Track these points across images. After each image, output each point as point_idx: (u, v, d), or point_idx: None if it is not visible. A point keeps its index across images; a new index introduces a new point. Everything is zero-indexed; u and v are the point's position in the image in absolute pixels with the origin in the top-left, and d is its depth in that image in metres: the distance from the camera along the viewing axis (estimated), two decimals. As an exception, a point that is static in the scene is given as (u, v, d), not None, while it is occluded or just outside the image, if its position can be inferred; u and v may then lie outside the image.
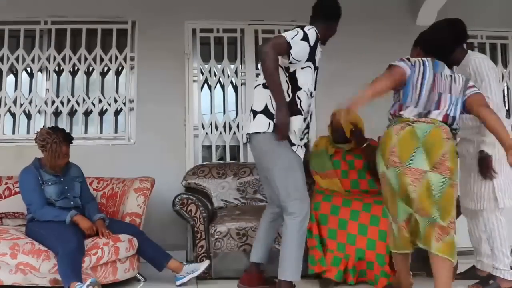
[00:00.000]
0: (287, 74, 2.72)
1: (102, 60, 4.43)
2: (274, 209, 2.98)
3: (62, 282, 2.72)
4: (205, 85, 4.58)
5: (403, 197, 2.54)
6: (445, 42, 2.78)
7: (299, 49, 2.63)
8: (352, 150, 3.51)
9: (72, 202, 3.15)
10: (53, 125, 4.31)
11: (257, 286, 2.99)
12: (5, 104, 4.32)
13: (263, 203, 3.77)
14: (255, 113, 2.78)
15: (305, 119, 2.78)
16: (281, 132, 2.64)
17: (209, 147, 4.49)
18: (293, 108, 2.69)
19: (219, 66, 4.53)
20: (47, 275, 2.81)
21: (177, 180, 4.01)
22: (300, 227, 2.71)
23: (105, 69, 4.52)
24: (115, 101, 4.42)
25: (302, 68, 2.70)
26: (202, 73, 4.54)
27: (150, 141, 4.34)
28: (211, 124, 4.46)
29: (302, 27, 2.72)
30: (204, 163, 4.26)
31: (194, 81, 4.52)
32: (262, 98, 2.76)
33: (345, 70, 4.49)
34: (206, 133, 4.45)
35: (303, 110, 2.74)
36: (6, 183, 3.62)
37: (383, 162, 2.58)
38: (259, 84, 2.84)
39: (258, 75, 4.38)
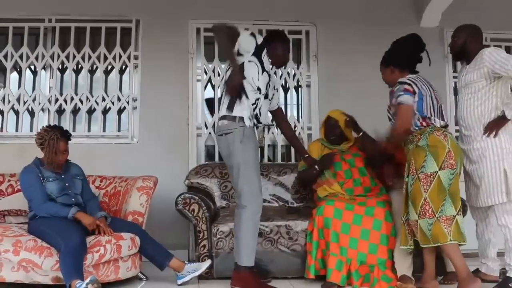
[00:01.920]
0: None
1: (106, 58, 4.44)
2: None
3: (63, 279, 2.72)
4: (209, 84, 4.59)
5: (451, 196, 2.81)
6: (416, 55, 3.16)
7: (245, 39, 3.05)
8: (349, 149, 3.54)
9: (73, 199, 3.16)
10: (56, 123, 4.34)
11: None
12: (9, 102, 4.33)
13: (265, 203, 3.73)
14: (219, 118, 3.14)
15: (254, 109, 3.06)
16: (233, 85, 2.97)
17: (212, 146, 4.49)
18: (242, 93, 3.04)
19: (223, 65, 4.52)
20: (49, 273, 2.81)
21: (180, 179, 4.01)
22: (252, 218, 2.98)
23: (109, 67, 4.53)
24: (119, 99, 4.42)
25: (249, 61, 3.05)
26: (206, 73, 4.55)
27: (153, 140, 4.35)
28: (214, 123, 4.46)
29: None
30: (207, 162, 4.27)
31: (198, 80, 4.53)
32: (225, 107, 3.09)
33: (349, 72, 4.49)
34: (209, 133, 4.45)
35: (248, 99, 3.04)
36: (9, 181, 3.63)
37: (435, 164, 2.83)
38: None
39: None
